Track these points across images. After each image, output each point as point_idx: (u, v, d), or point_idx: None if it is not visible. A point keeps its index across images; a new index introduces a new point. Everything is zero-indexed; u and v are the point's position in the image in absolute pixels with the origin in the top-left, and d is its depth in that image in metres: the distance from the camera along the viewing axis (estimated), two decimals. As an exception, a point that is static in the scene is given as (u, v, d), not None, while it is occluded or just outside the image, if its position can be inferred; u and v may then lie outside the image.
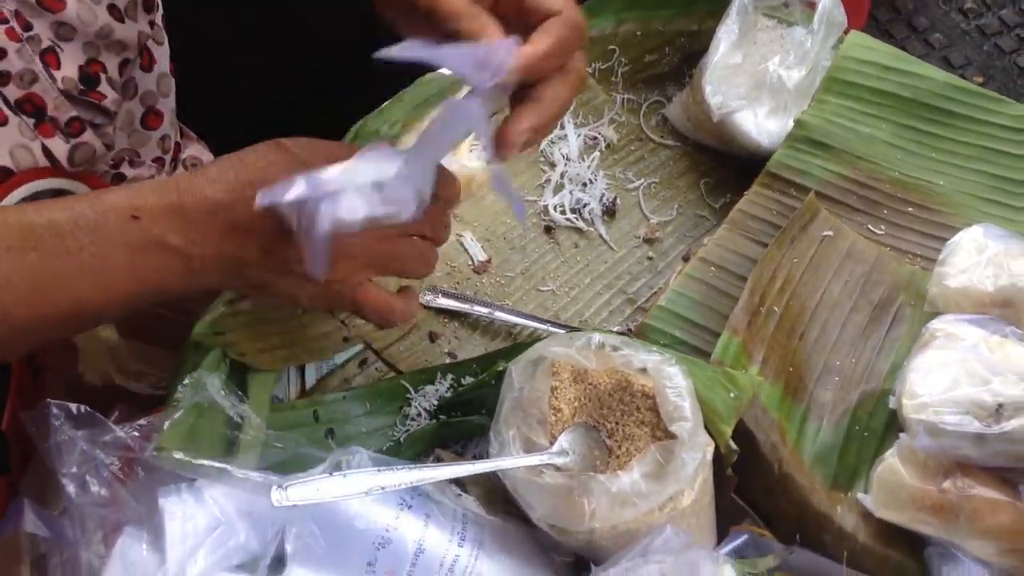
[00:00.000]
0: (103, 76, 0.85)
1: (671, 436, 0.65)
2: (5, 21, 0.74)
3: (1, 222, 0.61)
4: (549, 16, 0.63)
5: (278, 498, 0.60)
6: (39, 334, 0.65)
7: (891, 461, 0.68)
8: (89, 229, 0.61)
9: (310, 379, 0.80)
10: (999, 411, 0.65)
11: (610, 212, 0.94)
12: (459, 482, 0.73)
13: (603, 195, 0.95)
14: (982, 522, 0.65)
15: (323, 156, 0.63)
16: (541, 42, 0.61)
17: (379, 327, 0.77)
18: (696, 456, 0.64)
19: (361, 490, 0.62)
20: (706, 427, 0.69)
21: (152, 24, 0.92)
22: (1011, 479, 0.65)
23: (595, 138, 0.99)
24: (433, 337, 0.85)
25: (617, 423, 0.68)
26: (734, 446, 0.69)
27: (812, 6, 0.91)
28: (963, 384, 0.67)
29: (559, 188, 0.95)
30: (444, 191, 0.67)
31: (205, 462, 0.63)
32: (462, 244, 0.91)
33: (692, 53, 1.01)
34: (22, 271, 0.60)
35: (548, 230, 0.93)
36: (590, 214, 0.94)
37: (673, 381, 0.66)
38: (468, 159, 0.84)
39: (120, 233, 0.61)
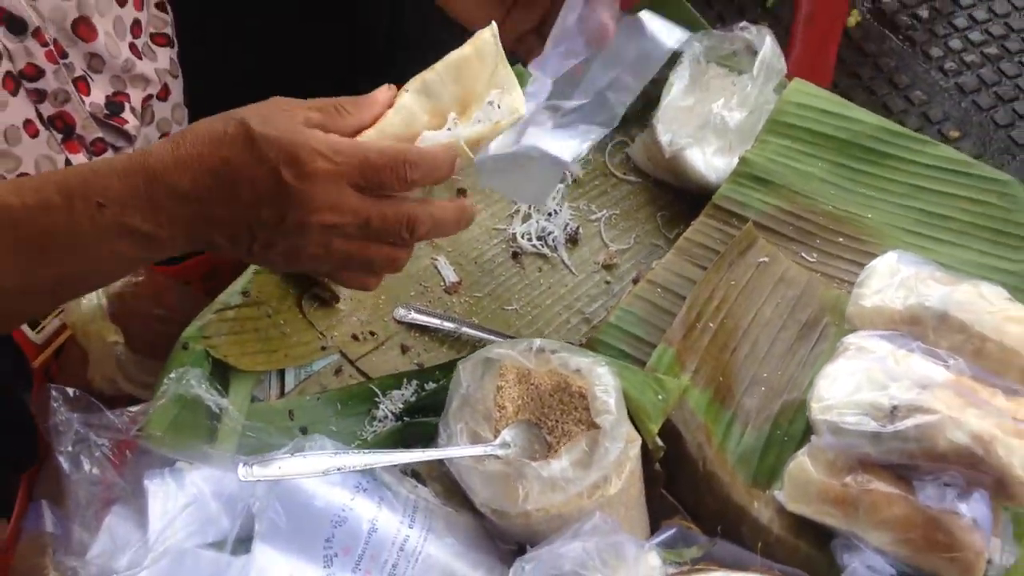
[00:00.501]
0: (127, 105, 0.94)
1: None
2: (46, 44, 0.83)
3: None
4: None
5: (244, 473, 0.67)
6: (33, 302, 0.71)
7: (801, 459, 0.75)
8: (60, 213, 0.66)
9: (289, 383, 0.88)
10: (893, 413, 0.71)
11: (573, 240, 1.02)
12: (418, 476, 0.80)
13: (567, 224, 1.02)
14: (879, 514, 0.71)
15: (287, 156, 0.65)
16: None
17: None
18: (618, 446, 0.70)
19: (318, 470, 0.69)
20: (635, 425, 0.75)
21: (170, 60, 1.02)
22: (905, 475, 0.71)
23: (562, 175, 1.06)
24: (404, 349, 0.92)
25: (556, 421, 0.75)
26: (660, 443, 0.75)
27: (756, 55, 0.99)
28: (864, 389, 0.73)
29: (527, 218, 1.02)
30: (414, 180, 0.69)
31: (186, 443, 0.70)
32: (436, 267, 0.99)
33: (654, 98, 1.08)
34: (6, 250, 0.66)
35: (515, 256, 1.01)
36: (554, 241, 1.01)
37: (601, 380, 0.72)
38: (474, 118, 0.73)
39: (88, 220, 0.66)
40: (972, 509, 0.68)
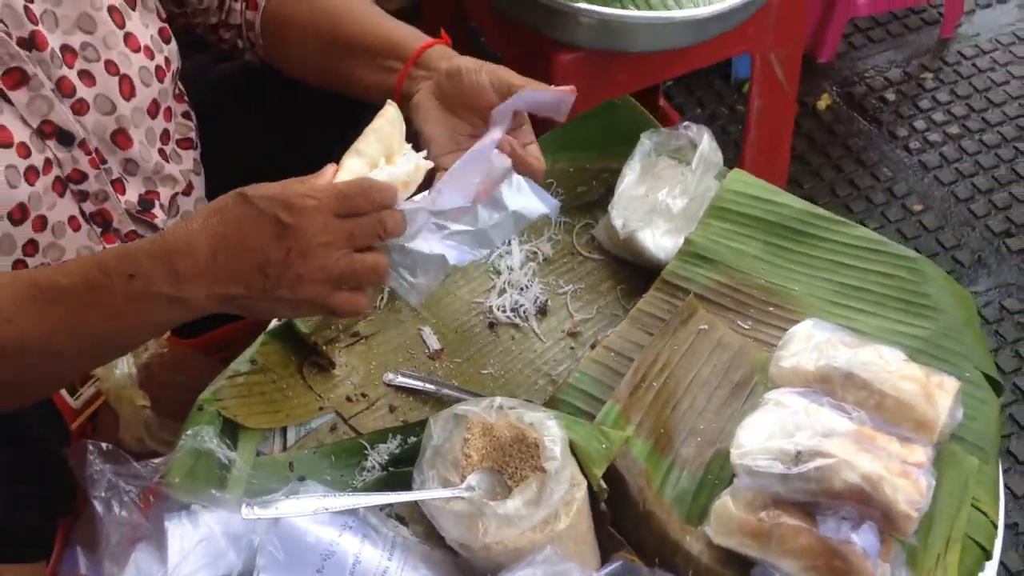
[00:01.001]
0: (157, 202, 1.09)
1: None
2: (89, 153, 0.98)
3: (32, 283, 0.81)
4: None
5: (246, 512, 0.78)
6: (76, 364, 0.86)
7: (725, 499, 0.85)
8: (100, 289, 0.80)
9: (290, 439, 0.99)
10: (798, 457, 0.82)
11: (542, 311, 1.14)
12: (402, 519, 0.92)
13: (537, 298, 1.14)
14: (787, 544, 0.81)
15: (281, 203, 0.81)
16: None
17: (350, 317, 0.92)
18: (563, 487, 0.82)
19: (309, 510, 0.80)
20: (582, 470, 0.87)
21: (194, 160, 1.16)
22: (809, 510, 0.82)
23: (535, 252, 1.19)
24: (392, 409, 1.04)
25: (515, 467, 0.86)
26: (604, 485, 0.86)
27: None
28: (775, 437, 0.84)
29: (502, 292, 1.15)
30: (378, 200, 0.84)
31: (199, 488, 0.82)
32: (421, 336, 1.11)
33: (612, 186, 1.21)
34: (57, 320, 0.81)
35: (491, 325, 1.13)
36: (525, 313, 1.13)
37: (550, 431, 0.84)
38: (401, 160, 0.92)
39: (122, 290, 0.80)
40: (863, 539, 0.79)
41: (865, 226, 1.08)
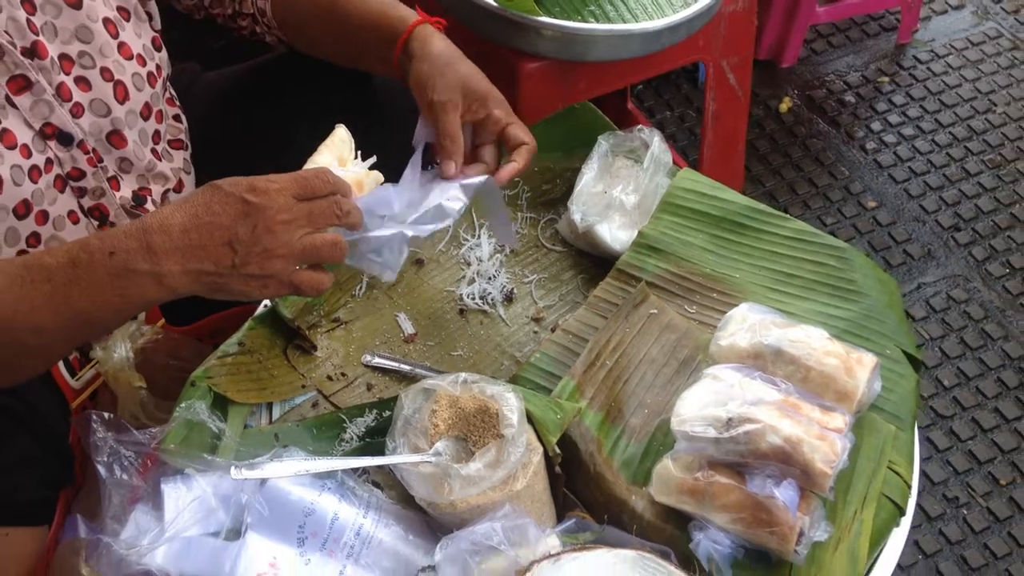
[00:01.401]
0: (149, 198, 1.17)
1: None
2: (87, 152, 1.07)
3: (23, 264, 0.88)
4: (521, 144, 1.10)
5: (235, 473, 0.87)
6: (64, 340, 0.92)
7: (665, 461, 0.95)
8: (82, 266, 0.87)
9: (275, 414, 1.08)
10: (729, 423, 0.91)
11: (509, 299, 1.23)
12: (378, 485, 1.00)
13: (504, 286, 1.23)
14: (720, 500, 0.90)
15: (247, 186, 0.90)
16: (521, 161, 1.09)
17: (313, 295, 0.97)
18: (519, 450, 0.90)
19: (292, 472, 0.89)
20: (539, 437, 0.96)
21: (184, 160, 1.25)
22: (739, 470, 0.91)
23: (502, 245, 1.28)
24: (369, 387, 1.13)
25: (479, 436, 0.95)
26: (558, 450, 0.95)
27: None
28: (710, 406, 0.93)
29: (471, 281, 1.24)
30: (333, 184, 0.95)
31: (193, 454, 0.91)
32: (397, 321, 1.20)
33: (573, 184, 1.30)
34: (44, 297, 0.87)
35: (461, 312, 1.22)
36: (493, 300, 1.22)
37: (508, 402, 0.93)
38: (352, 167, 1.04)
39: (103, 267, 0.87)
40: (784, 494, 0.88)
41: (822, 222, 1.17)
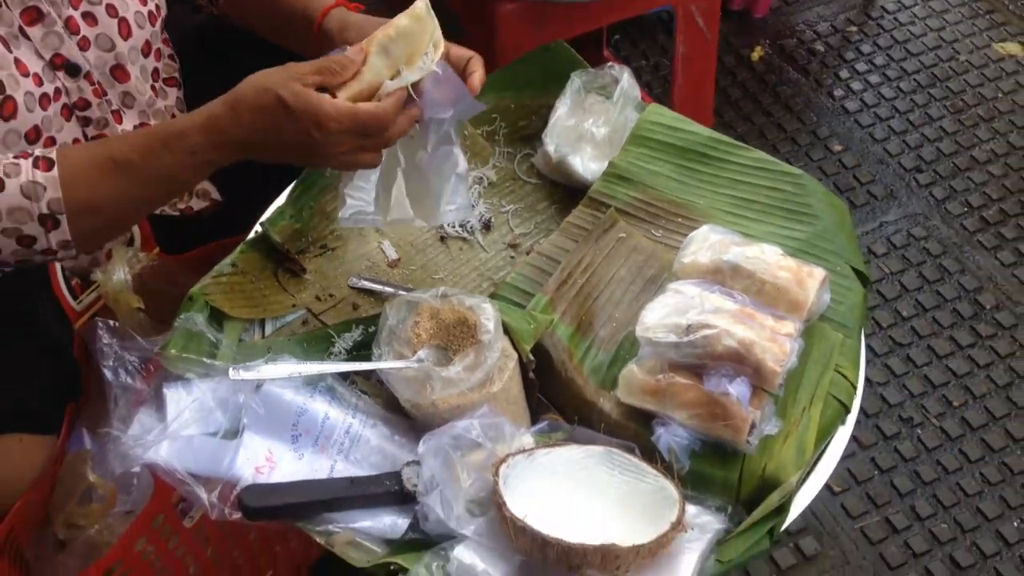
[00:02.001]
0: None
1: (483, 345, 0.99)
2: (93, 83, 1.12)
3: (110, 159, 1.00)
4: (469, 57, 1.12)
5: (233, 374, 0.94)
6: (132, 216, 1.12)
7: (631, 366, 1.02)
8: (162, 161, 1.01)
9: (268, 330, 1.15)
10: (688, 329, 0.98)
11: (487, 227, 1.29)
12: (366, 392, 1.07)
13: (482, 215, 1.29)
14: (679, 398, 0.98)
15: (313, 122, 0.99)
16: (479, 68, 1.11)
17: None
18: (495, 355, 0.97)
19: (286, 373, 0.96)
20: (514, 346, 1.02)
21: (176, 98, 1.30)
22: (697, 371, 0.98)
23: (481, 178, 1.34)
24: (355, 307, 1.19)
25: (458, 345, 1.02)
26: (532, 357, 1.02)
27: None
28: (672, 315, 1.00)
29: (452, 211, 1.30)
30: (387, 125, 1.04)
31: (192, 359, 0.97)
32: (381, 248, 1.26)
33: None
34: (132, 186, 1.02)
35: (442, 239, 1.28)
36: (472, 228, 1.28)
37: (485, 312, 1.00)
38: (415, 69, 1.06)
39: (184, 160, 1.02)
40: (737, 390, 0.95)
41: (790, 164, 1.23)
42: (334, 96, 1.02)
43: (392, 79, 1.04)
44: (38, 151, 1.01)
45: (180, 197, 1.20)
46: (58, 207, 0.99)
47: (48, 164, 0.99)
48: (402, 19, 1.04)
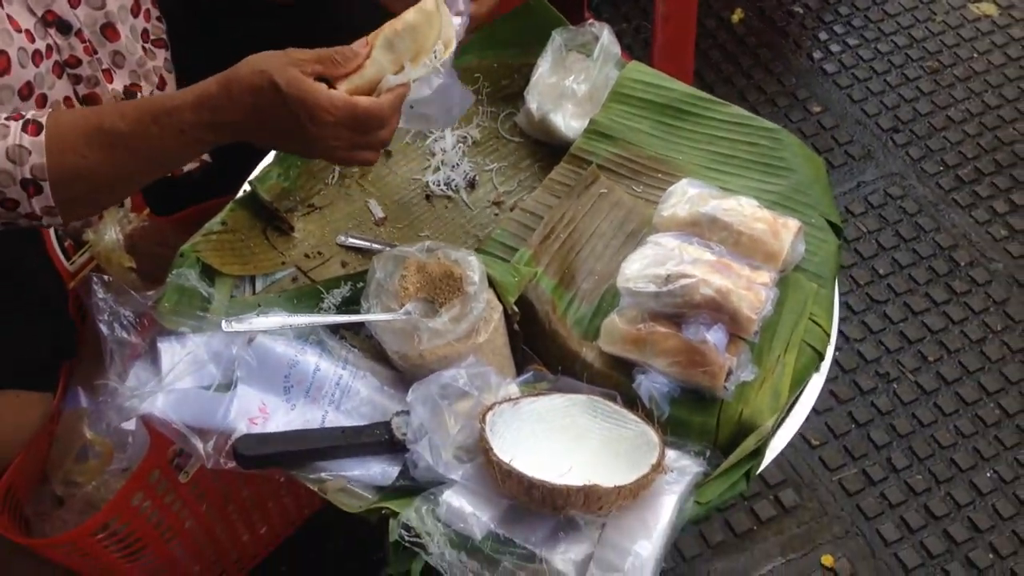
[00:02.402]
0: (139, 95, 1.23)
1: (469, 297, 1.01)
2: (84, 41, 1.13)
3: (100, 130, 0.99)
4: None
5: (226, 326, 0.96)
6: (124, 189, 1.11)
7: (612, 316, 1.05)
8: (152, 135, 1.00)
9: (259, 287, 1.17)
10: (667, 279, 1.01)
11: (471, 185, 1.31)
12: (355, 347, 1.09)
13: (467, 174, 1.31)
14: (659, 346, 1.01)
15: (308, 115, 0.98)
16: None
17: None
18: (480, 306, 1.00)
19: (278, 325, 0.98)
20: (499, 297, 1.05)
21: (164, 59, 1.31)
22: (676, 320, 1.01)
23: (465, 137, 1.36)
24: (344, 264, 1.21)
25: (445, 297, 1.04)
26: (516, 309, 1.05)
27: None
28: (651, 266, 1.03)
29: (436, 169, 1.32)
30: (385, 121, 1.03)
31: (186, 312, 0.99)
32: (368, 207, 1.28)
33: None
34: (120, 159, 1.00)
35: (428, 197, 1.30)
36: (457, 186, 1.30)
37: (470, 264, 1.02)
38: (419, 66, 1.05)
39: (173, 140, 1.00)
40: (714, 337, 0.98)
41: None
42: (333, 88, 1.00)
43: (396, 75, 1.03)
44: (30, 114, 1.01)
45: (172, 173, 1.17)
46: (41, 173, 0.99)
47: (37, 128, 0.99)
48: (410, 14, 1.02)
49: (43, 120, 1.00)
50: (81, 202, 1.05)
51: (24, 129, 0.99)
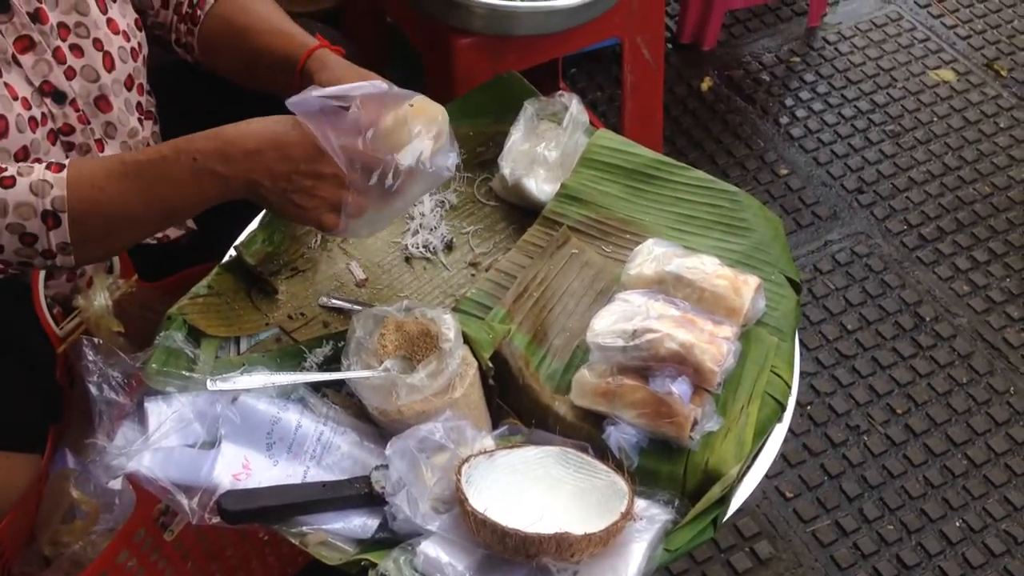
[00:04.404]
0: None
1: (444, 354, 1.05)
2: (78, 111, 1.18)
3: (120, 162, 1.05)
4: None
5: (211, 385, 0.99)
6: (151, 226, 1.13)
7: (583, 370, 1.08)
8: (170, 164, 1.05)
9: (243, 348, 1.20)
10: (634, 334, 1.06)
11: (448, 247, 1.36)
12: (336, 403, 1.13)
13: (444, 236, 1.36)
14: (627, 399, 1.04)
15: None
16: None
17: (326, 232, 1.16)
18: (456, 362, 1.04)
19: (261, 383, 1.01)
20: (474, 354, 1.09)
21: (152, 132, 1.36)
22: (643, 373, 1.05)
23: (442, 201, 1.41)
24: (326, 324, 1.25)
25: (422, 355, 1.08)
26: (491, 365, 1.09)
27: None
28: (619, 322, 1.08)
29: (415, 232, 1.36)
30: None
31: (173, 373, 1.03)
32: (349, 269, 1.32)
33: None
34: (135, 191, 1.05)
35: (407, 259, 1.34)
36: (435, 248, 1.35)
37: (446, 322, 1.06)
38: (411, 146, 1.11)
39: (187, 167, 1.05)
40: (679, 388, 1.02)
41: (739, 187, 1.31)
42: None
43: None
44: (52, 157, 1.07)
45: (179, 223, 1.23)
46: (61, 205, 1.04)
47: (59, 167, 1.05)
48: (388, 119, 1.09)
49: (65, 162, 1.07)
50: (94, 241, 1.09)
51: (48, 168, 1.06)
